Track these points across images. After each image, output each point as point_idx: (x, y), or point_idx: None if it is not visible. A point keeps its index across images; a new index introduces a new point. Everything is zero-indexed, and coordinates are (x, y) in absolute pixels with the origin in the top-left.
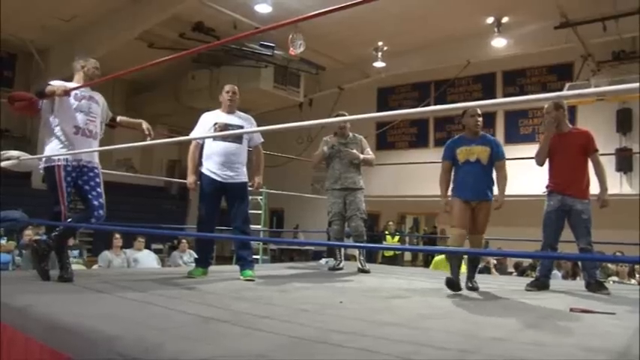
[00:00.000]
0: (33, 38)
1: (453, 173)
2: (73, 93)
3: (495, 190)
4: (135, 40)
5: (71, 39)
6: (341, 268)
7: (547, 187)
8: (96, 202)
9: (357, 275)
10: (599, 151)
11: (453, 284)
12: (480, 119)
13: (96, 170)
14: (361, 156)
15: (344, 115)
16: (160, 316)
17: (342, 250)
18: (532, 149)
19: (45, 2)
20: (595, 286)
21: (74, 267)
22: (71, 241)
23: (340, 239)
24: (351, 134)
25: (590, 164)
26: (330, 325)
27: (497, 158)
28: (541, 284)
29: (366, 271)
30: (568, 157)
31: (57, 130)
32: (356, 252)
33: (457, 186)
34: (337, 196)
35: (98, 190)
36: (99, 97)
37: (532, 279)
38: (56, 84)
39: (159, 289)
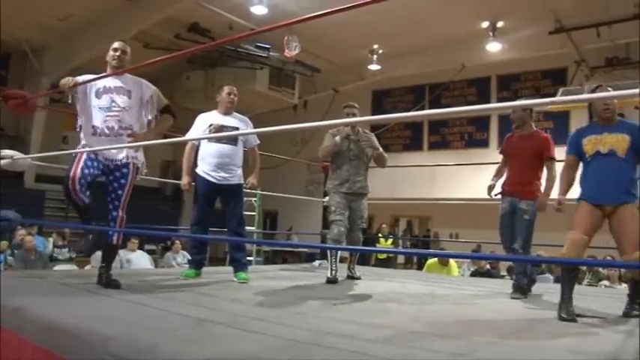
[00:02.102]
0: (27, 37)
1: (581, 170)
2: (94, 90)
3: None
4: (130, 40)
5: (66, 38)
6: (336, 281)
7: (501, 189)
8: (110, 206)
9: (349, 278)
10: (555, 159)
11: (570, 316)
12: (610, 104)
13: (124, 170)
14: (380, 149)
15: (354, 107)
16: (153, 317)
17: (338, 258)
18: None
19: (40, 1)
20: (516, 288)
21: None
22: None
23: (339, 242)
24: (360, 130)
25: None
26: (324, 328)
27: None
28: (522, 289)
29: (357, 279)
30: (522, 159)
31: (79, 131)
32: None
33: (585, 186)
34: (343, 196)
35: (119, 192)
36: (134, 83)
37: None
38: (80, 78)
39: (152, 290)
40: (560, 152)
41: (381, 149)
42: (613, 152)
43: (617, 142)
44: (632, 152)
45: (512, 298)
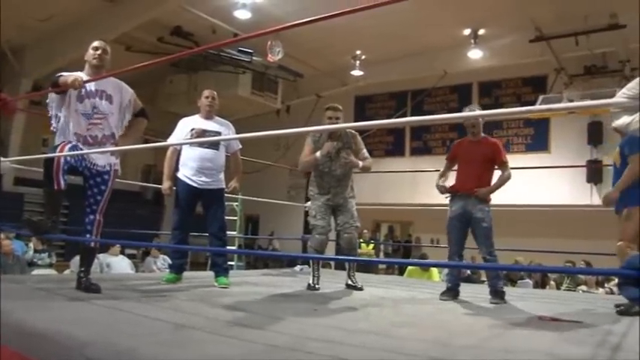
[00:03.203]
0: (7, 38)
1: None
2: (76, 92)
3: None
4: (112, 42)
5: (47, 39)
6: (317, 289)
7: (452, 192)
8: (88, 210)
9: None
10: (507, 163)
11: None
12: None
13: (105, 176)
14: (360, 163)
15: (337, 110)
16: (132, 321)
17: (320, 265)
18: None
19: (22, 2)
20: (494, 294)
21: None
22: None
23: (321, 252)
24: (342, 133)
25: (498, 174)
26: (305, 333)
27: (629, 152)
28: (453, 293)
29: (359, 289)
30: (474, 164)
31: (59, 136)
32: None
33: None
34: (325, 201)
35: (98, 198)
36: (114, 87)
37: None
38: (68, 74)
39: (132, 294)
40: (540, 158)
41: (361, 163)
42: (614, 164)
43: (615, 154)
44: (624, 162)
45: (492, 303)
